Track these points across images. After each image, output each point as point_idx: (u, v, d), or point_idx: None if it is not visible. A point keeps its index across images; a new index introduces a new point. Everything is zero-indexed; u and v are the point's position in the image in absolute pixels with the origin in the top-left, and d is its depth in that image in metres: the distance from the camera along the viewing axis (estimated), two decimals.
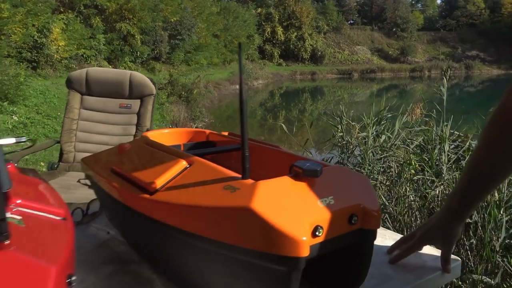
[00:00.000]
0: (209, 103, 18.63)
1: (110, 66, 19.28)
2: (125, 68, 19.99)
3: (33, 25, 14.40)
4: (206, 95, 17.80)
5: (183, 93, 14.57)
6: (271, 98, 25.09)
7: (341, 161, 3.99)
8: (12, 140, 1.11)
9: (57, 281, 0.43)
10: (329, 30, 48.43)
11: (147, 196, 0.67)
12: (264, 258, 0.56)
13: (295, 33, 43.21)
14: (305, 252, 0.55)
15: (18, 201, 0.58)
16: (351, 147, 4.04)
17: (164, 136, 0.97)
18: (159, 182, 0.68)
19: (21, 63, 13.21)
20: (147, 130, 2.40)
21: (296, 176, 0.63)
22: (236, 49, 35.61)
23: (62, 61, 16.20)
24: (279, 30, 42.83)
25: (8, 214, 0.52)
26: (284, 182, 0.62)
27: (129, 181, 0.74)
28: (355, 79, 39.12)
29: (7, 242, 0.44)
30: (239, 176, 0.63)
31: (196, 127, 12.79)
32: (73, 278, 0.48)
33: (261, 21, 42.20)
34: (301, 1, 44.02)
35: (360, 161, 3.67)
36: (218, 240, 0.59)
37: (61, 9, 17.12)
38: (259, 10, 43.33)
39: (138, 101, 2.47)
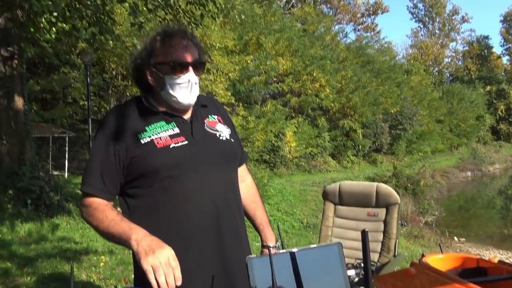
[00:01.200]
0: (437, 193, 17.50)
1: (334, 161, 20.58)
2: (347, 162, 20.97)
3: (271, 131, 16.81)
4: (433, 186, 16.89)
5: (409, 185, 14.22)
6: None
7: None
8: None
9: None
10: None
11: None
12: None
13: None
14: None
15: None
16: None
17: (439, 261, 1.17)
18: None
19: (261, 165, 15.53)
20: (394, 237, 2.60)
21: None
22: (462, 133, 33.20)
23: (293, 160, 18.17)
24: None
25: None
26: None
27: None
28: None
29: None
30: None
31: (425, 222, 12.12)
32: None
33: (491, 99, 38.62)
34: None
35: None
36: None
37: (293, 115, 19.59)
38: (488, 88, 39.97)
39: (384, 210, 2.73)
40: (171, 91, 1.39)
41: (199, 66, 1.44)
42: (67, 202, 7.06)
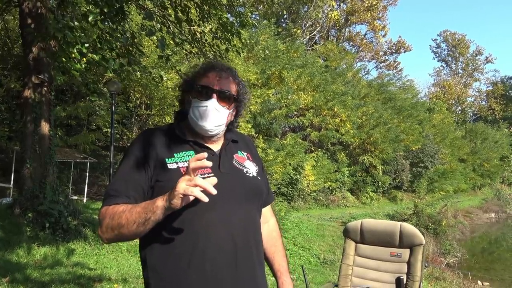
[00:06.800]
0: (460, 234, 16.98)
1: (352, 197, 20.28)
2: (366, 198, 20.63)
3: (290, 164, 16.74)
4: (455, 226, 16.39)
5: (430, 224, 13.85)
6: None
7: None
8: None
9: None
10: None
11: None
12: None
13: None
14: None
15: None
16: None
17: None
18: None
19: (279, 198, 15.39)
20: (418, 279, 2.50)
21: None
22: (486, 173, 32.43)
23: (311, 194, 17.97)
24: None
25: None
26: None
27: None
28: None
29: None
30: None
31: (447, 263, 11.70)
32: None
33: None
34: None
35: None
36: None
37: (312, 149, 19.52)
38: None
39: (407, 251, 2.64)
40: (192, 114, 1.44)
41: (227, 98, 1.46)
42: (84, 227, 7.07)
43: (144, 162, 1.38)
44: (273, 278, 1.66)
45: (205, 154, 1.18)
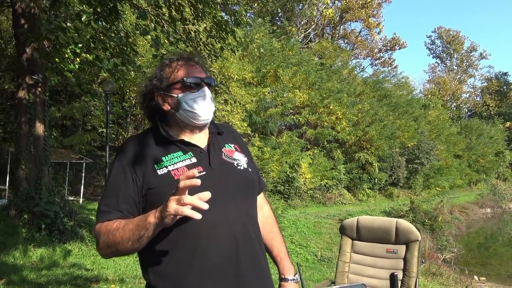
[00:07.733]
0: (456, 230, 17.07)
1: (349, 194, 20.33)
2: (363, 195, 20.69)
3: (286, 162, 16.75)
4: (452, 222, 16.48)
5: (426, 220, 13.91)
6: None
7: None
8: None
9: None
10: None
11: None
12: None
13: None
14: None
15: None
16: None
17: None
18: None
19: (275, 196, 15.41)
20: (414, 275, 2.51)
21: None
22: (481, 168, 32.61)
23: (308, 192, 18.00)
24: None
25: None
26: None
27: None
28: None
29: None
30: None
31: (443, 259, 11.75)
32: None
33: (511, 136, 38.07)
34: None
35: None
36: None
37: (308, 146, 19.54)
38: (508, 124, 39.49)
39: (403, 247, 2.65)
40: (188, 107, 1.39)
41: (212, 84, 1.45)
42: (81, 228, 7.05)
43: (132, 173, 1.35)
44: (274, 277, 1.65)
45: (196, 172, 1.15)
